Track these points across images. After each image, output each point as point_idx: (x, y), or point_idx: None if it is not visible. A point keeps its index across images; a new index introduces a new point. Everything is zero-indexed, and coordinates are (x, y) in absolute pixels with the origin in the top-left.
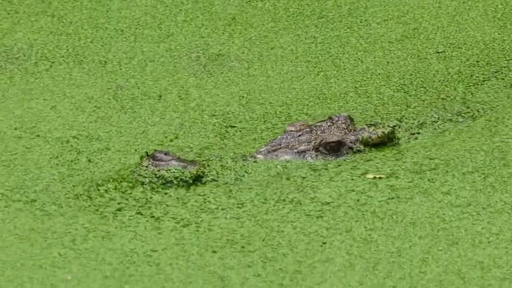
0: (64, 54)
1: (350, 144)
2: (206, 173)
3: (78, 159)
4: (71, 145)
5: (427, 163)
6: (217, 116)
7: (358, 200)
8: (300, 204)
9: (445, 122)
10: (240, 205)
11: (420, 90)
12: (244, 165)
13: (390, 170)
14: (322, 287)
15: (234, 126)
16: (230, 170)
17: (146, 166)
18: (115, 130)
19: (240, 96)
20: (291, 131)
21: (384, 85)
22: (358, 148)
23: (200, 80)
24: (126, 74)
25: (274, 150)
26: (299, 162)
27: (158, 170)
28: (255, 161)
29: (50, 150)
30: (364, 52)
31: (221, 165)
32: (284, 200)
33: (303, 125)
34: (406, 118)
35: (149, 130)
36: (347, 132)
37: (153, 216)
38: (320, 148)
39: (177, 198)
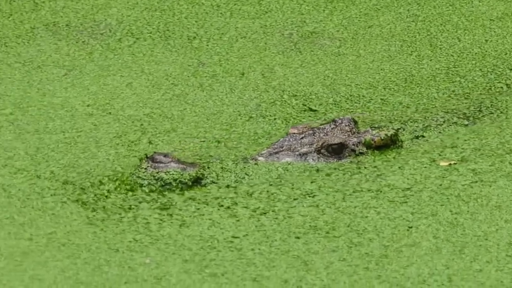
0: (152, 30)
1: (353, 146)
2: (205, 175)
3: (139, 140)
4: (140, 124)
5: (504, 147)
6: (298, 97)
7: (441, 185)
8: (380, 191)
9: None
10: (311, 195)
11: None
12: (244, 167)
13: (467, 154)
14: (409, 271)
15: (315, 110)
16: (230, 172)
17: (145, 168)
18: (189, 109)
19: (325, 76)
20: (294, 133)
21: (476, 68)
22: (360, 151)
23: (287, 58)
24: (212, 51)
25: (276, 153)
26: (300, 165)
27: (157, 172)
28: (256, 163)
29: (117, 128)
30: (464, 30)
31: (221, 167)
32: (361, 190)
33: (306, 127)
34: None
35: (224, 111)
36: (350, 135)
37: (226, 206)
38: (322, 150)
39: (245, 191)
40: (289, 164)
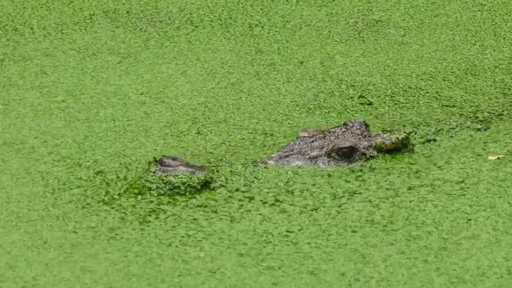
0: (213, 18)
1: (363, 150)
2: (214, 179)
3: (189, 130)
4: (193, 114)
5: None
6: (356, 87)
7: (496, 177)
8: (434, 186)
9: None
10: (358, 193)
11: None
12: (254, 171)
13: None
14: (468, 263)
15: (371, 103)
16: (239, 176)
17: (154, 172)
18: (245, 98)
19: (386, 65)
20: (304, 137)
21: None
22: (371, 154)
23: (349, 47)
24: (272, 39)
25: (286, 156)
26: (310, 168)
27: (166, 176)
28: (265, 167)
29: (168, 118)
30: None
31: (231, 171)
32: (413, 185)
33: (316, 131)
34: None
35: (280, 101)
36: (361, 138)
37: (270, 203)
38: (333, 154)
39: (286, 190)
40: (299, 167)
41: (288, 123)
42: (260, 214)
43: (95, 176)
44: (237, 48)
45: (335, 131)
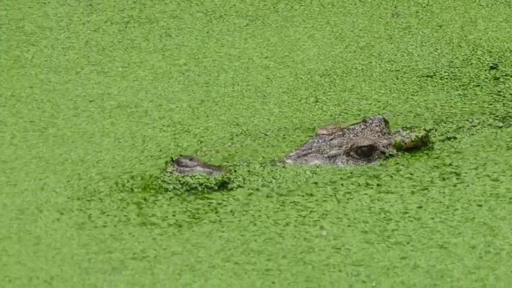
0: None
1: (383, 148)
2: (232, 179)
3: (308, 98)
4: (317, 80)
5: None
6: (492, 53)
7: None
8: None
9: None
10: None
11: None
12: (272, 170)
13: None
14: None
15: (495, 66)
16: (257, 175)
17: (171, 172)
18: (375, 62)
19: None
20: (323, 134)
21: None
22: (390, 153)
23: (494, 11)
24: (411, 1)
25: (304, 155)
26: (329, 168)
27: (183, 177)
28: (283, 166)
29: (290, 83)
30: None
31: (248, 171)
32: None
33: (336, 128)
34: None
35: (399, 70)
36: (381, 136)
37: (375, 188)
38: (351, 153)
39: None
40: (317, 167)
41: (408, 98)
42: (366, 194)
43: (199, 143)
44: (371, 12)
45: (354, 128)
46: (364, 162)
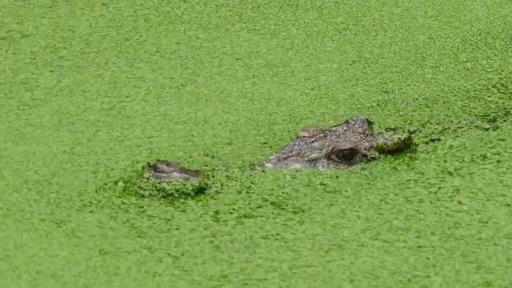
0: None
1: (364, 151)
2: (209, 185)
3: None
4: (475, 41)
5: None
6: None
7: None
8: None
9: None
10: None
11: None
12: (251, 175)
13: None
14: None
15: None
16: (235, 180)
17: (147, 178)
18: None
19: None
20: (304, 136)
21: None
22: (372, 156)
23: None
24: None
25: (285, 158)
26: (309, 171)
27: (159, 183)
28: (263, 171)
29: (454, 43)
30: None
31: (227, 176)
32: None
33: (317, 130)
34: None
35: None
36: (363, 137)
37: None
38: (332, 156)
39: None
40: (297, 171)
41: None
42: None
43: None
44: None
45: (336, 130)
46: (345, 166)
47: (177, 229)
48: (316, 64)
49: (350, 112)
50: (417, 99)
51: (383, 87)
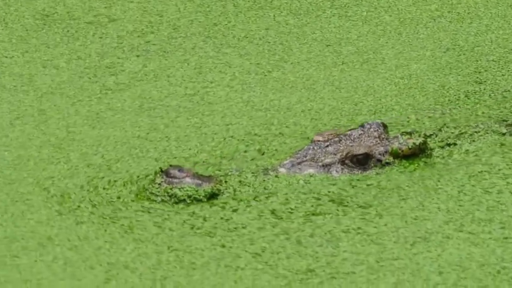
0: None
1: (379, 156)
2: (222, 191)
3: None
4: None
5: None
6: None
7: None
8: None
9: None
10: None
11: None
12: (264, 180)
13: None
14: None
15: None
16: (248, 186)
17: (159, 184)
18: None
19: None
20: (319, 141)
21: None
22: (387, 161)
23: None
24: None
25: (299, 163)
26: (323, 177)
27: (171, 188)
28: (276, 176)
29: None
30: None
31: (239, 181)
32: None
33: (332, 134)
34: None
35: None
36: (378, 142)
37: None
38: (347, 161)
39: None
40: (311, 176)
41: None
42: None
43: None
44: None
45: (351, 134)
46: (360, 171)
47: (243, 227)
48: (409, 51)
49: (434, 105)
50: (508, 91)
51: (477, 77)
